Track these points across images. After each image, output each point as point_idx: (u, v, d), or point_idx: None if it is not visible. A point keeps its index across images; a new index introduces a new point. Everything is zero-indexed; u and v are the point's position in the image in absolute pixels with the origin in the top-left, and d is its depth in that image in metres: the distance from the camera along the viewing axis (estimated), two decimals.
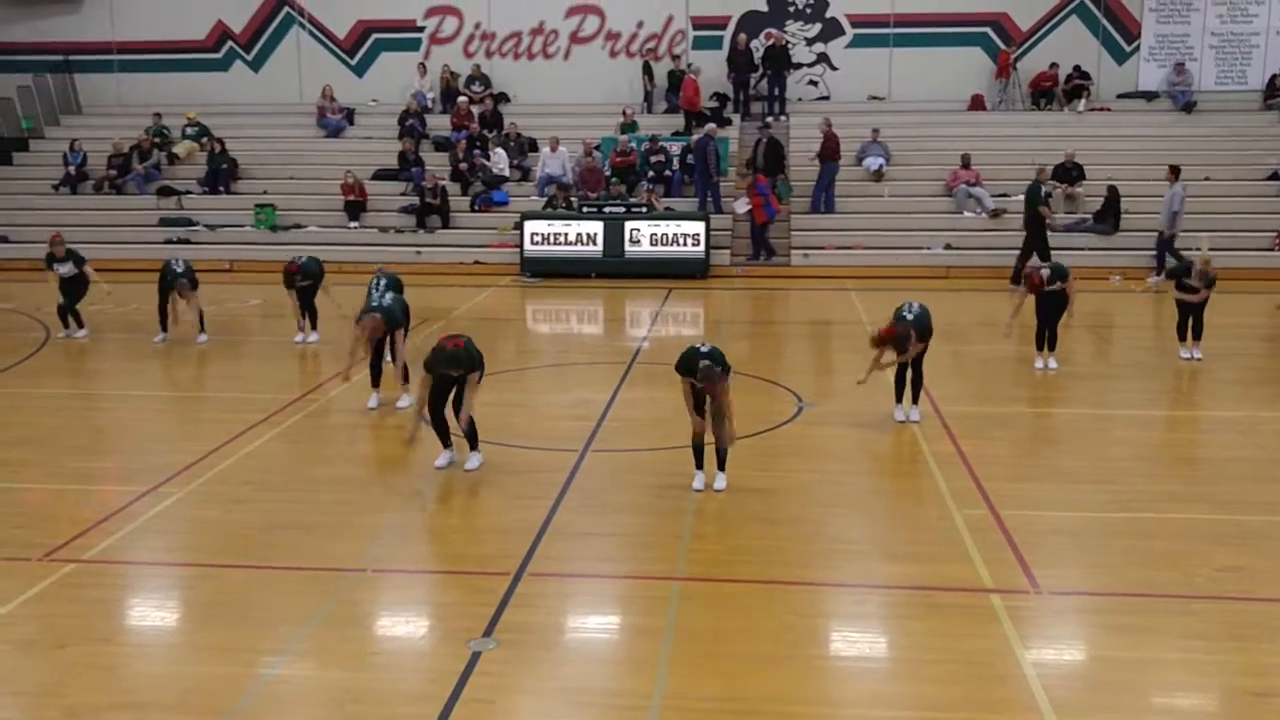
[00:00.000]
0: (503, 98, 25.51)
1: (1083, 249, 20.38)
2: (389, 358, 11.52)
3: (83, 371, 13.86)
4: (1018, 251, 19.46)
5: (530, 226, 20.81)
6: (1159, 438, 10.93)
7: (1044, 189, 19.26)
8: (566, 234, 20.71)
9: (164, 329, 14.71)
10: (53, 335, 15.13)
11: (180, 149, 24.62)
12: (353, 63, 26.26)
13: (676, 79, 24.45)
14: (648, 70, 25.04)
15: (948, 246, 21.18)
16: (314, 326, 14.66)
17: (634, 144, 22.96)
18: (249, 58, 26.46)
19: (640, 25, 25.51)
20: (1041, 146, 22.79)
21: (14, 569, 7.34)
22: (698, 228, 20.55)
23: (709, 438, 8.69)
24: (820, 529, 8.14)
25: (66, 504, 8.65)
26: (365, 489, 9.23)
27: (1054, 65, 24.52)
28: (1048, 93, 24.58)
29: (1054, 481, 9.13)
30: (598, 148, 23.00)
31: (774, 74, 24.38)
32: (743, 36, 24.45)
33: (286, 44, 26.33)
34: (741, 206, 21.38)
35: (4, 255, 22.10)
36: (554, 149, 22.81)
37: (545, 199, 22.14)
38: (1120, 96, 24.72)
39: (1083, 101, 24.26)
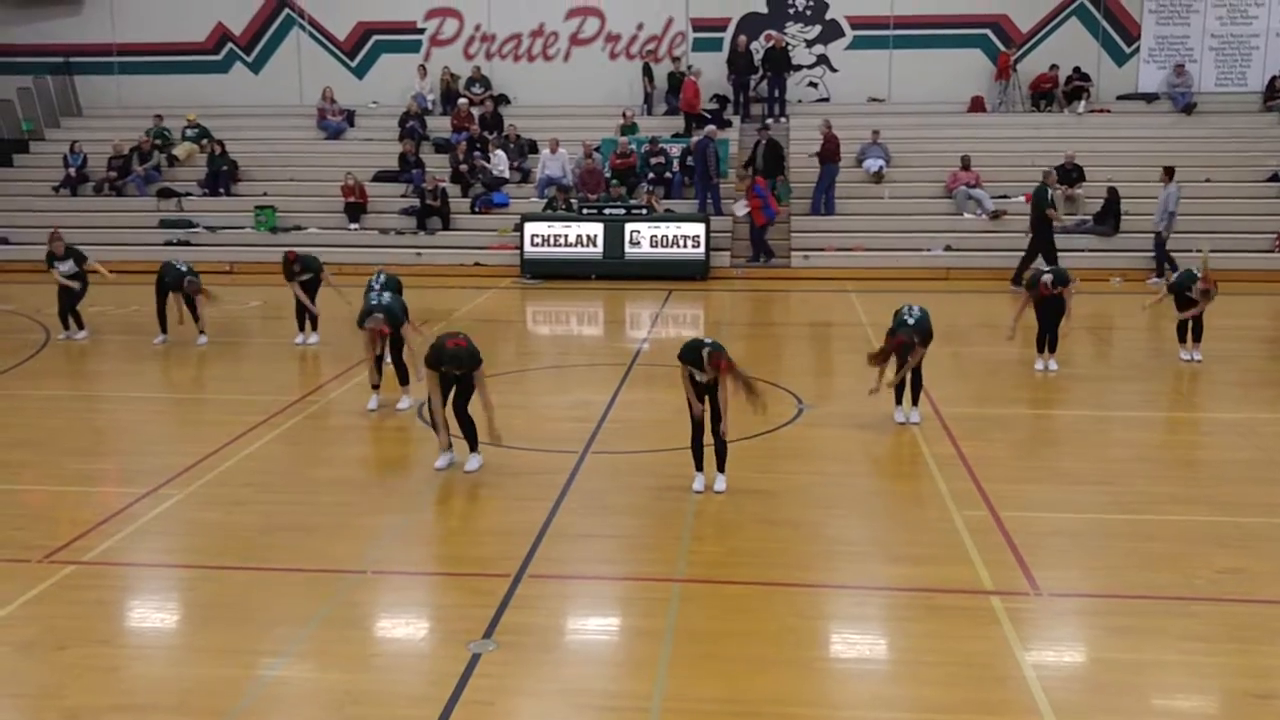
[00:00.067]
0: (503, 99, 25.52)
1: (1083, 251, 20.39)
2: (389, 359, 11.51)
3: (83, 373, 13.87)
4: (1017, 252, 19.50)
5: (530, 228, 20.82)
6: (1159, 439, 10.93)
7: (1050, 192, 19.26)
8: (566, 236, 20.72)
9: (163, 331, 14.71)
10: (53, 337, 15.14)
11: (180, 151, 24.63)
12: (353, 64, 26.28)
13: (676, 81, 24.47)
14: (648, 72, 25.06)
15: (948, 248, 21.18)
16: (314, 328, 14.67)
17: (634, 146, 22.97)
18: (249, 59, 26.48)
19: (640, 27, 25.53)
20: (1041, 148, 22.83)
21: (14, 570, 7.34)
22: (698, 229, 20.56)
23: (708, 439, 8.69)
24: (820, 531, 8.14)
25: (66, 506, 8.65)
26: (365, 491, 9.23)
27: (1054, 67, 24.53)
28: (1048, 94, 24.60)
29: (1054, 483, 9.13)
30: (598, 149, 23.01)
31: (774, 76, 24.40)
32: (743, 38, 24.47)
33: (287, 46, 26.36)
34: (740, 209, 21.38)
35: (4, 257, 22.10)
36: (554, 151, 22.82)
37: (545, 201, 22.14)
38: (1120, 98, 24.74)
39: (1082, 103, 24.27)
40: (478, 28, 25.89)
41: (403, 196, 23.07)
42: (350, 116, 25.58)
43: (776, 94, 24.46)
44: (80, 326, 15.15)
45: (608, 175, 22.47)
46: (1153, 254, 19.78)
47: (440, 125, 24.81)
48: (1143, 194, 20.78)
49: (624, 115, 24.06)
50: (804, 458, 9.92)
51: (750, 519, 8.26)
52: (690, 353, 8.52)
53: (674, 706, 5.70)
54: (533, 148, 24.01)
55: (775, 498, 8.76)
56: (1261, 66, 24.55)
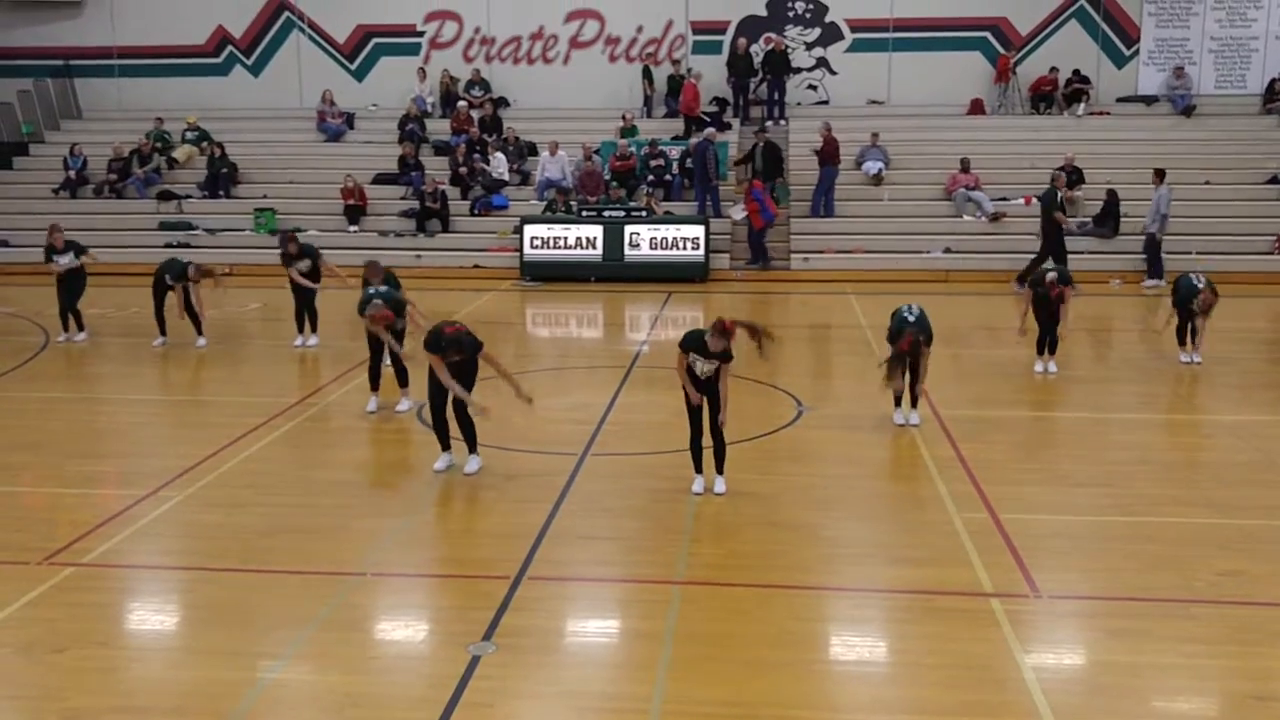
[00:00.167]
0: (502, 102, 25.53)
1: (1082, 253, 20.35)
2: (388, 362, 11.52)
3: (83, 375, 13.86)
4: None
5: (530, 230, 20.82)
6: (1159, 441, 10.93)
7: (1059, 194, 19.26)
8: (566, 238, 20.72)
9: (163, 333, 14.71)
10: (52, 339, 15.14)
11: (180, 153, 24.64)
12: (352, 67, 26.29)
13: (676, 83, 24.48)
14: (647, 75, 25.06)
15: (947, 250, 21.18)
16: (314, 329, 14.67)
17: (633, 148, 22.98)
18: (249, 62, 26.49)
19: (640, 30, 25.54)
20: (1041, 151, 22.86)
21: (13, 573, 7.34)
22: (697, 232, 20.56)
23: (707, 441, 8.69)
24: (820, 533, 8.14)
25: (66, 507, 8.66)
26: (365, 493, 9.24)
27: (1053, 69, 24.54)
28: (1047, 97, 24.60)
29: (1054, 485, 9.13)
30: (597, 152, 23.02)
31: (773, 78, 24.41)
32: (742, 41, 24.48)
33: (286, 49, 26.37)
34: (737, 213, 21.38)
35: (4, 259, 22.09)
36: (553, 153, 22.83)
37: (545, 203, 22.16)
38: (1120, 100, 24.75)
39: (1082, 105, 24.28)
40: (477, 30, 25.91)
41: (402, 199, 23.08)
42: (350, 119, 25.59)
43: (776, 97, 24.48)
44: (80, 328, 15.15)
45: (607, 178, 22.48)
46: (1143, 256, 19.78)
47: (440, 128, 24.82)
48: (1142, 196, 20.75)
49: (623, 118, 24.07)
50: (803, 460, 9.92)
51: (750, 521, 8.26)
52: (692, 340, 8.52)
53: (674, 709, 5.69)
54: (532, 150, 24.02)
55: (775, 500, 8.76)
56: (1261, 69, 24.57)
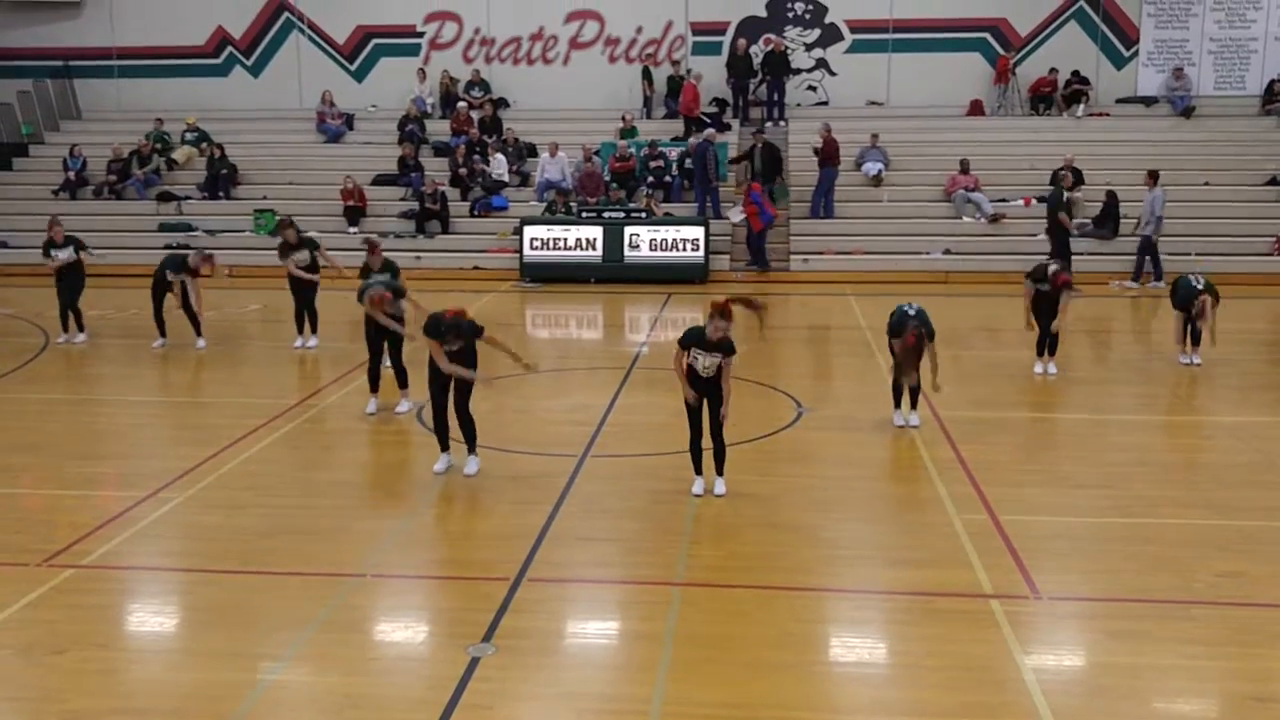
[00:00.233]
0: (502, 103, 25.53)
1: (1082, 254, 20.36)
2: (388, 363, 11.51)
3: (82, 377, 13.85)
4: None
5: (530, 232, 20.82)
6: (1158, 443, 10.93)
7: (1066, 196, 19.24)
8: (566, 239, 20.72)
9: (162, 334, 14.70)
10: (52, 340, 15.13)
11: (180, 154, 24.64)
12: (352, 68, 26.29)
13: (676, 84, 24.49)
14: (647, 75, 25.07)
15: (947, 252, 21.19)
16: (314, 331, 14.66)
17: (633, 149, 22.98)
18: (249, 63, 26.49)
19: (639, 30, 25.55)
20: (1040, 152, 22.87)
21: (13, 574, 7.34)
22: (697, 233, 20.56)
23: (707, 443, 8.69)
24: (819, 534, 8.14)
25: (65, 509, 8.66)
26: (364, 494, 9.24)
27: (1053, 70, 24.55)
28: (1046, 98, 24.61)
29: (1053, 486, 9.13)
30: (597, 153, 23.02)
31: (773, 79, 24.41)
32: (742, 42, 24.48)
33: (286, 49, 26.37)
34: (736, 215, 21.37)
35: (4, 260, 22.09)
36: (553, 154, 22.84)
37: (545, 204, 22.16)
38: (1119, 101, 24.76)
39: (1081, 107, 24.29)
40: (477, 31, 25.91)
41: (402, 200, 23.08)
42: (349, 120, 25.59)
43: (776, 98, 24.49)
44: (80, 329, 15.14)
45: (607, 179, 22.49)
46: (1134, 257, 19.77)
47: (439, 129, 24.83)
48: (1142, 198, 20.76)
49: (623, 119, 24.08)
50: (803, 461, 9.92)
51: (749, 522, 8.26)
52: (692, 335, 8.52)
53: (674, 710, 5.69)
54: (532, 151, 24.03)
55: (774, 501, 8.76)
56: (1260, 70, 24.58)
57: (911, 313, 10.41)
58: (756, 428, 10.53)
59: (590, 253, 20.65)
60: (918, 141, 23.65)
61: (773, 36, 24.72)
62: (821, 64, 25.44)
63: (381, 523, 8.42)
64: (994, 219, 21.61)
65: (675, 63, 25.21)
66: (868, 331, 15.43)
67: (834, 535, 8.12)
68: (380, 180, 23.58)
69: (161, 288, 14.51)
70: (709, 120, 23.80)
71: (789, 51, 24.78)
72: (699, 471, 8.81)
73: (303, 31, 26.28)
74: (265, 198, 23.34)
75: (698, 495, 8.71)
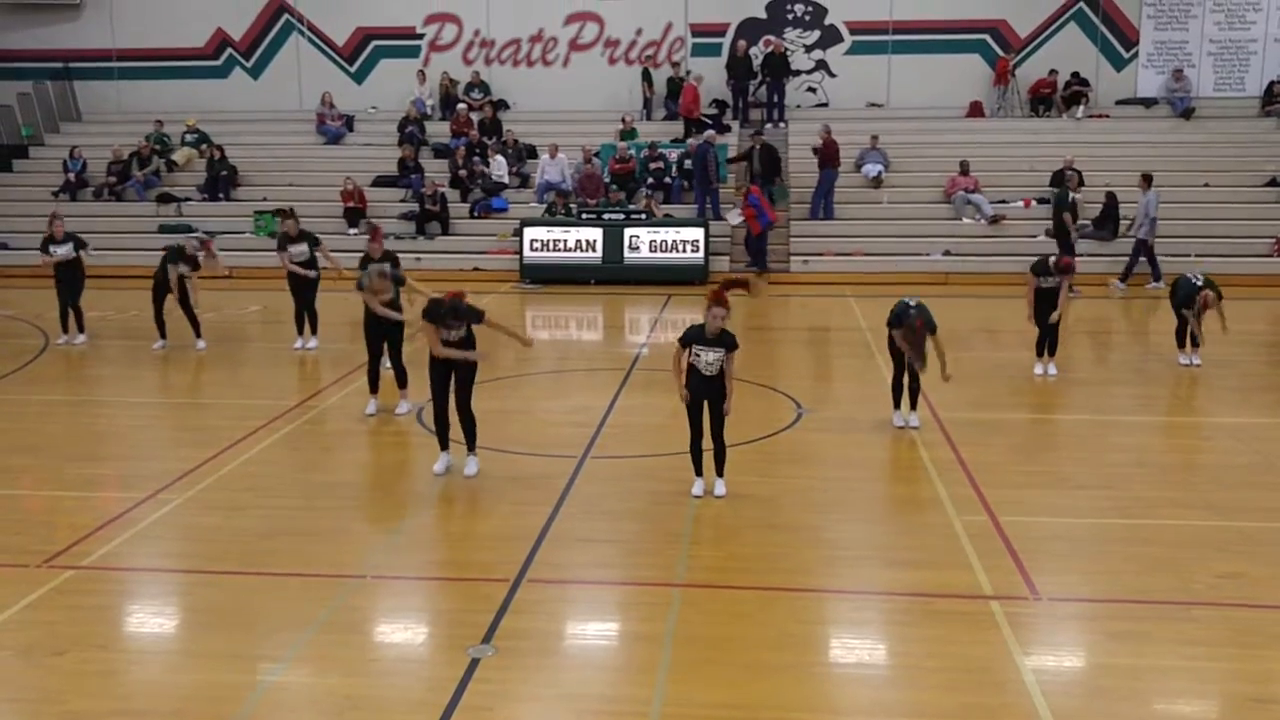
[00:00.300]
0: (502, 105, 25.55)
1: (1081, 255, 20.35)
2: (387, 364, 11.51)
3: (82, 378, 13.85)
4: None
5: (530, 233, 20.83)
6: (1158, 444, 10.93)
7: (1072, 197, 19.25)
8: (566, 240, 20.73)
9: (162, 336, 14.70)
10: (51, 342, 15.13)
11: (179, 156, 24.65)
12: (352, 70, 26.31)
13: (676, 86, 24.50)
14: (647, 77, 25.09)
15: (946, 253, 21.19)
16: (314, 332, 14.66)
17: (633, 151, 23.00)
18: (248, 65, 26.51)
19: (639, 32, 25.56)
20: (1040, 153, 22.87)
21: (13, 575, 7.34)
22: (697, 234, 20.57)
23: (707, 444, 8.69)
24: (819, 535, 8.14)
25: (66, 510, 8.65)
26: (364, 495, 9.24)
27: (1053, 72, 24.57)
28: (1046, 99, 24.63)
29: (1053, 488, 9.12)
30: (597, 154, 23.04)
31: (773, 81, 24.43)
32: (742, 43, 24.50)
33: (286, 51, 26.39)
34: (734, 218, 21.37)
35: (4, 262, 22.09)
36: (553, 156, 22.85)
37: (545, 206, 22.17)
38: (1119, 103, 24.78)
39: (1081, 108, 24.30)
40: (477, 33, 25.93)
41: (402, 201, 23.09)
42: (349, 122, 25.60)
43: (775, 99, 24.50)
44: (80, 330, 15.14)
45: (607, 180, 22.50)
46: (1127, 259, 19.75)
47: (439, 130, 24.84)
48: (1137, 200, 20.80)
49: (623, 120, 24.10)
50: (803, 462, 9.93)
51: (749, 524, 8.26)
52: (692, 333, 8.51)
53: (673, 712, 5.69)
54: (532, 153, 24.04)
55: (774, 502, 8.76)
56: (1260, 71, 24.60)
57: (913, 305, 10.41)
58: (756, 429, 10.53)
59: (590, 254, 20.66)
60: (917, 143, 23.67)
61: (772, 38, 24.74)
62: (821, 65, 25.46)
63: (381, 524, 8.42)
64: (994, 220, 21.62)
65: (675, 64, 25.23)
66: (868, 333, 15.43)
67: (834, 536, 8.11)
68: (380, 182, 23.59)
69: (163, 290, 14.50)
70: (709, 122, 23.81)
71: (789, 53, 24.80)
72: (699, 472, 8.81)
73: (302, 33, 26.29)
74: (265, 199, 23.30)
75: (698, 496, 8.71)
